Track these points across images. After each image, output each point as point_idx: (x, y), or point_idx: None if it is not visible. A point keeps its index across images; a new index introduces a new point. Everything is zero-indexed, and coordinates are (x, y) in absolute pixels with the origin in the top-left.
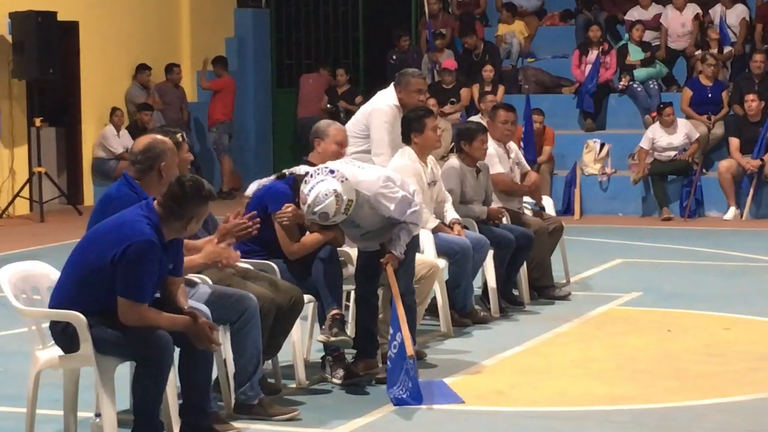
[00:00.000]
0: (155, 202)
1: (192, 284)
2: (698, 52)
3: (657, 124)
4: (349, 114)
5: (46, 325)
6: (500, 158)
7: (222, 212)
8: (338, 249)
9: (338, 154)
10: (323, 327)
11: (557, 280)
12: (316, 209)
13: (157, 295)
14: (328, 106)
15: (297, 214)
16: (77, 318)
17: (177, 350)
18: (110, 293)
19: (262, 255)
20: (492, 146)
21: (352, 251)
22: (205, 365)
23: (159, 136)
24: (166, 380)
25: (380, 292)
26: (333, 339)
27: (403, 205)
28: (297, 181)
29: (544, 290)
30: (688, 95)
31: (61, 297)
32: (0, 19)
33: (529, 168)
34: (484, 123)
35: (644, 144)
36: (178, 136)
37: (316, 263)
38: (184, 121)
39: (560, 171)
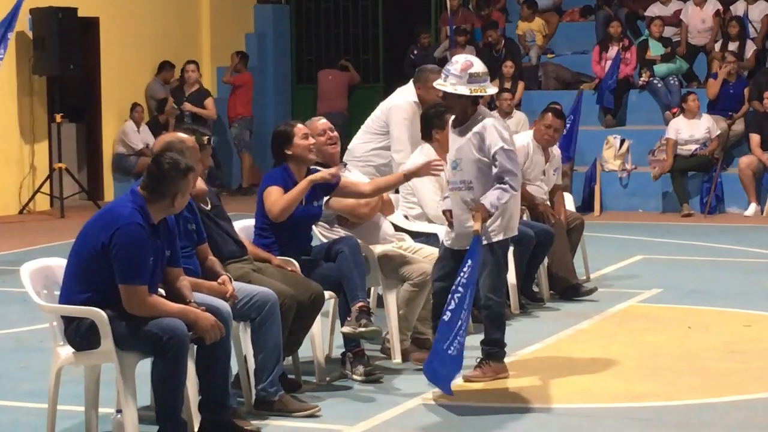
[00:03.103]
0: (139, 186)
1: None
2: (717, 50)
3: (680, 117)
4: (196, 118)
5: None
6: (533, 162)
7: (243, 208)
8: (360, 244)
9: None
10: (348, 319)
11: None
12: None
13: (162, 291)
14: (174, 107)
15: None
16: (98, 314)
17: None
18: (109, 279)
19: (278, 250)
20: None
21: (375, 248)
22: (223, 360)
23: (176, 150)
24: (184, 373)
25: (400, 286)
26: (362, 330)
27: (508, 158)
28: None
29: (570, 289)
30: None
31: (67, 293)
32: (21, 15)
33: (559, 184)
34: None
35: (670, 134)
36: (204, 138)
37: (340, 257)
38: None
39: (580, 167)
